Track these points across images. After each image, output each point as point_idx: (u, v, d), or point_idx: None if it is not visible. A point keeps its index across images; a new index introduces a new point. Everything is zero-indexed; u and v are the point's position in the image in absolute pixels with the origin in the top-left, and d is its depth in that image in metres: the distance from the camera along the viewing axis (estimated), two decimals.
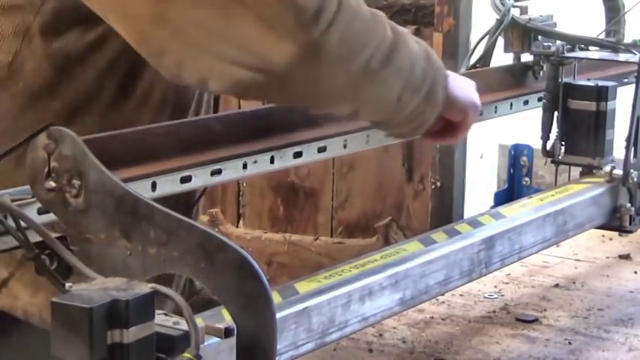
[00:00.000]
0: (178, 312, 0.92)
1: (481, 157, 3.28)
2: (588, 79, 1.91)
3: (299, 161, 1.38)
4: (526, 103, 1.85)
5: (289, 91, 1.23)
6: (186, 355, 0.91)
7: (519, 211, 1.63)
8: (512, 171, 2.03)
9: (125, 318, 0.89)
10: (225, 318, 1.03)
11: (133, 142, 1.19)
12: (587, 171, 1.90)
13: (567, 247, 2.05)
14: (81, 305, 0.88)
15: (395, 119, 1.34)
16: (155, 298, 0.91)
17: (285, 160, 1.35)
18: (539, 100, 1.88)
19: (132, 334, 0.89)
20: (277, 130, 1.38)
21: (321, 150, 1.41)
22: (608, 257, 2.05)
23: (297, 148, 1.37)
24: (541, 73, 1.89)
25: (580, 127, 1.88)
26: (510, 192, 2.04)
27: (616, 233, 2.13)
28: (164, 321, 0.93)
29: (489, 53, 1.89)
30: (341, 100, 1.28)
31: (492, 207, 1.91)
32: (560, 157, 1.91)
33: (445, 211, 3.35)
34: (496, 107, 1.75)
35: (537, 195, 1.74)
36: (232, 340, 0.95)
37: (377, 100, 1.30)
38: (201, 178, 1.25)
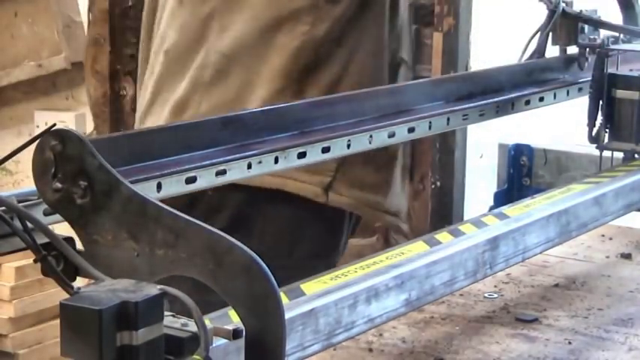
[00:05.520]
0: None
1: (481, 157, 3.28)
2: (631, 70, 1.99)
3: (303, 161, 1.37)
4: (567, 93, 1.94)
5: None
6: (195, 357, 0.90)
7: (523, 212, 1.62)
8: (512, 171, 2.04)
9: (134, 320, 0.88)
10: (233, 319, 1.02)
11: (138, 143, 1.19)
12: (630, 156, 1.97)
13: (567, 247, 2.04)
14: (90, 307, 0.87)
15: None
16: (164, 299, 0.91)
17: (289, 161, 1.35)
18: (579, 90, 1.96)
19: (141, 335, 0.88)
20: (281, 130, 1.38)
21: (325, 150, 1.41)
22: (608, 257, 2.05)
23: (301, 149, 1.37)
24: (586, 64, 1.97)
25: (623, 115, 1.95)
26: (510, 192, 2.05)
27: (616, 233, 2.13)
28: (172, 322, 0.93)
29: (543, 45, 1.96)
30: None
31: (492, 207, 1.91)
32: (604, 143, 1.99)
33: (445, 211, 3.34)
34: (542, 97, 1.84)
35: (541, 195, 1.73)
36: (241, 342, 0.95)
37: None
38: (206, 179, 1.25)
